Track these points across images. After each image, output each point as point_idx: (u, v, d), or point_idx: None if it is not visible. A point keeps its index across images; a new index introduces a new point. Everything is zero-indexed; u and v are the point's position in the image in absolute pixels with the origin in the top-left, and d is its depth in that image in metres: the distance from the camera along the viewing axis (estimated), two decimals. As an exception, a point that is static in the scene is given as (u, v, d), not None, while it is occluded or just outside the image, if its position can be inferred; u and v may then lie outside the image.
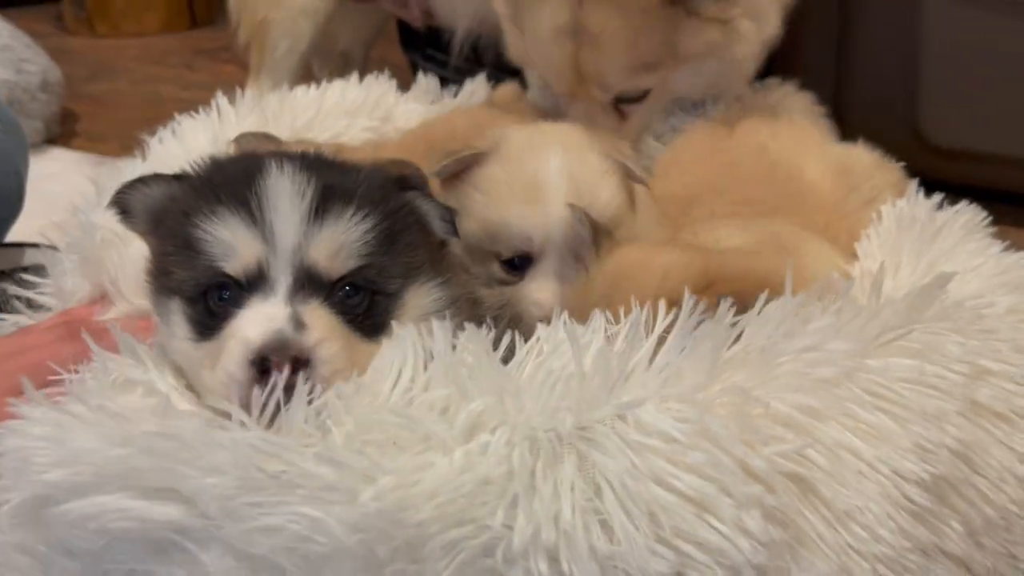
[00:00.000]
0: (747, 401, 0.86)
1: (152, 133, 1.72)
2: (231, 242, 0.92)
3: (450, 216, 1.05)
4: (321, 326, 0.90)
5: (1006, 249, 1.26)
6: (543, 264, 1.23)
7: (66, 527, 0.84)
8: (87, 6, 4.43)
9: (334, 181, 0.96)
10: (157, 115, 1.88)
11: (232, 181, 0.96)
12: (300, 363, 0.88)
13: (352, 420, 0.84)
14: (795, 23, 2.24)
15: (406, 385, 0.87)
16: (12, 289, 1.41)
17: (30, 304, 1.38)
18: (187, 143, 1.66)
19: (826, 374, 0.89)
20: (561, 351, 0.91)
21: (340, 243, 0.93)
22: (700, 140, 1.55)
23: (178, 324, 0.97)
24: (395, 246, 0.97)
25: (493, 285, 1.24)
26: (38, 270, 1.42)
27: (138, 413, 0.89)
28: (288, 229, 0.92)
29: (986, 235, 1.27)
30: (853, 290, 1.03)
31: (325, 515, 0.77)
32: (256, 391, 0.86)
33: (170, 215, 0.99)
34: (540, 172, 1.23)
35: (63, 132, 3.05)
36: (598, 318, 0.94)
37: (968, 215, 1.29)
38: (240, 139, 1.44)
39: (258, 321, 0.90)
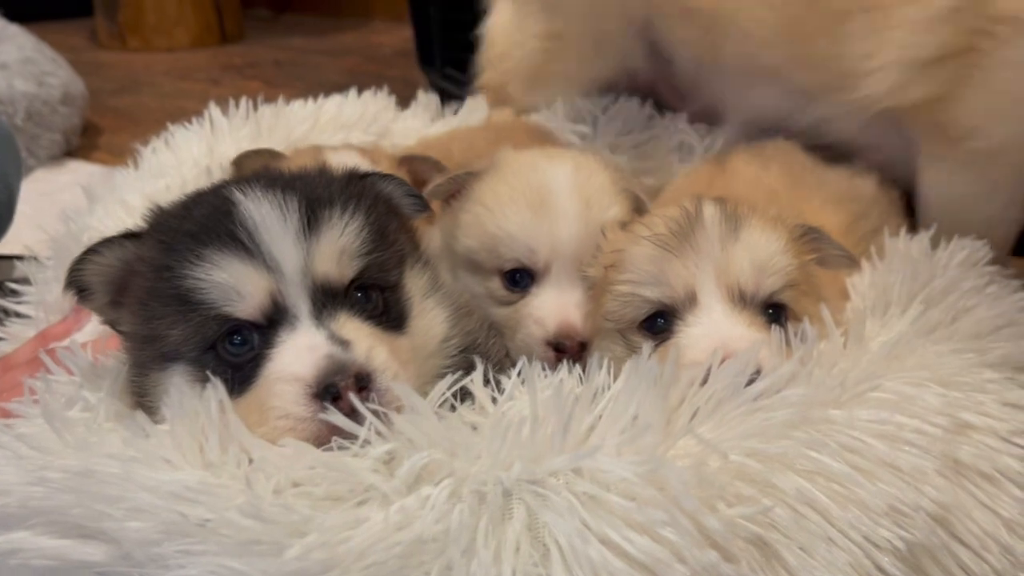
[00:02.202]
0: (705, 451, 0.78)
1: (145, 143, 1.68)
2: (234, 284, 0.84)
3: (415, 192, 1.01)
4: (361, 336, 0.85)
5: (1004, 286, 1.17)
6: (547, 281, 1.13)
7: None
8: (119, 21, 4.44)
9: (310, 189, 0.91)
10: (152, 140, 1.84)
11: (208, 221, 0.88)
12: (363, 379, 0.81)
13: (284, 471, 0.77)
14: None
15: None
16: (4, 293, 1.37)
17: (17, 315, 1.34)
18: (180, 153, 1.63)
19: (782, 418, 0.81)
20: (519, 396, 0.85)
21: (341, 247, 0.88)
22: (698, 176, 1.48)
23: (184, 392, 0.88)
24: (385, 238, 0.93)
25: (492, 308, 1.16)
26: (23, 283, 1.38)
27: (63, 446, 0.83)
28: (289, 251, 0.86)
29: (984, 272, 1.18)
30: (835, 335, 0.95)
31: (249, 569, 0.70)
32: (320, 420, 0.80)
33: (140, 277, 0.90)
34: (547, 184, 1.14)
35: (85, 145, 3.02)
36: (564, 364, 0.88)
37: (967, 251, 1.20)
38: (241, 159, 1.39)
39: (301, 355, 0.83)
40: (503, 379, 0.89)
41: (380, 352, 0.84)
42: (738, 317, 0.96)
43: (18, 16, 3.09)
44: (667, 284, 0.98)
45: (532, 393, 0.81)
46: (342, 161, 1.33)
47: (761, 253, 0.99)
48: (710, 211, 1.02)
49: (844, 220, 1.33)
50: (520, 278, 1.15)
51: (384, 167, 1.34)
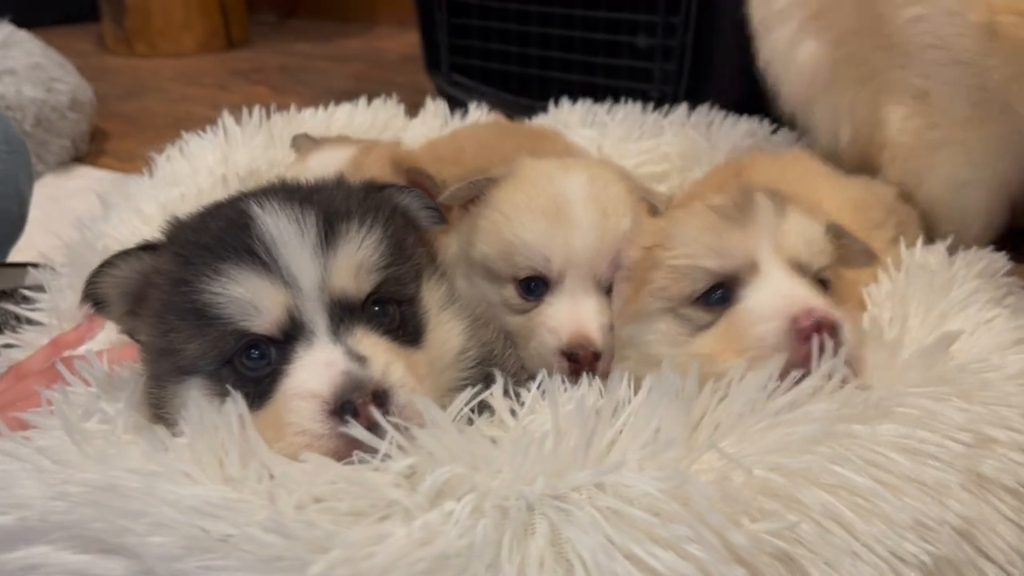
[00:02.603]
0: (728, 466, 0.77)
1: (160, 150, 1.69)
2: (251, 299, 0.84)
3: (432, 204, 1.00)
4: (378, 352, 0.84)
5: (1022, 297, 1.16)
6: (561, 290, 1.12)
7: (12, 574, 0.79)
8: (126, 26, 4.44)
9: (327, 202, 0.90)
10: (167, 147, 1.85)
11: (226, 235, 0.87)
12: (380, 395, 0.81)
13: (305, 486, 0.76)
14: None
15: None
16: (10, 308, 1.36)
17: (30, 322, 1.34)
18: (194, 162, 1.64)
19: (806, 432, 0.80)
20: (542, 410, 0.84)
21: (359, 261, 0.87)
22: (713, 181, 1.48)
23: (203, 406, 0.87)
24: (403, 251, 0.93)
25: (506, 316, 1.15)
26: (37, 290, 1.37)
27: (83, 458, 0.83)
28: (307, 266, 0.85)
29: (1004, 284, 1.17)
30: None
31: (273, 585, 0.70)
32: (339, 436, 0.80)
33: (157, 289, 0.90)
34: (563, 194, 1.14)
35: (92, 150, 3.02)
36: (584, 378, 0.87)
37: (985, 262, 1.19)
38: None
39: (318, 371, 0.82)
40: (522, 392, 0.88)
41: (397, 368, 0.84)
42: (799, 282, 0.97)
43: (25, 21, 3.09)
44: (728, 254, 0.98)
45: (554, 407, 0.80)
46: (331, 158, 1.36)
47: (809, 230, 1.02)
48: (758, 193, 1.03)
49: (860, 228, 1.32)
50: (535, 287, 1.14)
51: (374, 162, 1.34)
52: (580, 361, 1.07)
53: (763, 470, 0.77)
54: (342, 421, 0.79)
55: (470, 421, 0.86)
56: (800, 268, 0.98)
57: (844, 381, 0.87)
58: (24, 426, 0.92)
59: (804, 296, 0.94)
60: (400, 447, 0.79)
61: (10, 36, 2.90)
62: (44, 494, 0.79)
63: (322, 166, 1.41)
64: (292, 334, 0.85)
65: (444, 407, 0.84)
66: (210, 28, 4.56)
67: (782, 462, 0.78)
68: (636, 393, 0.84)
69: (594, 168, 1.23)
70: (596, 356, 1.08)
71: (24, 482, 0.81)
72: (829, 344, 0.87)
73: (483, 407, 0.88)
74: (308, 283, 0.85)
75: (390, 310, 0.90)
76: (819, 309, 0.90)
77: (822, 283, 1.01)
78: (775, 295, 0.94)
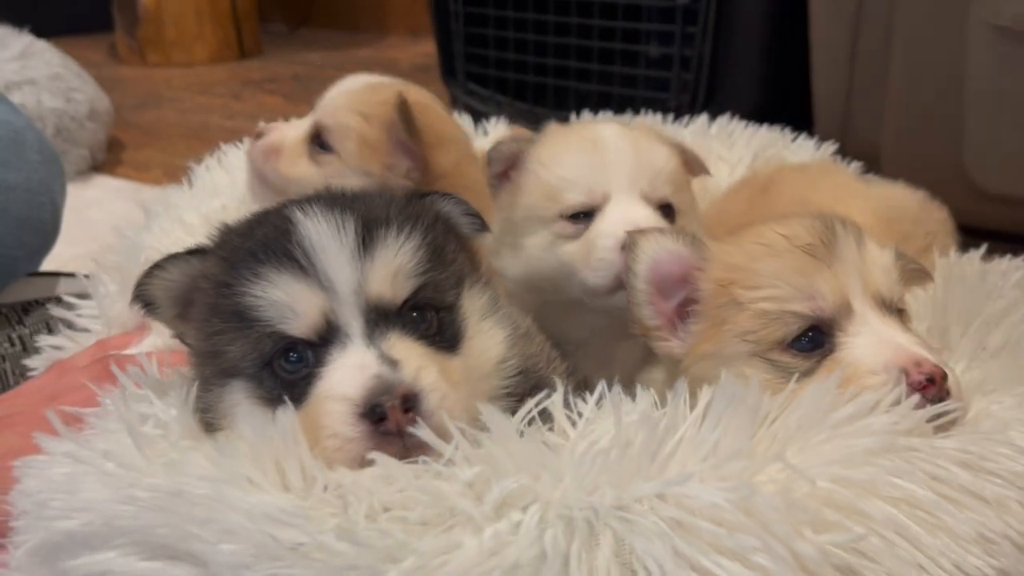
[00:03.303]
0: (791, 477, 0.78)
1: (198, 161, 1.70)
2: (289, 302, 0.85)
3: (474, 211, 1.01)
4: (412, 356, 0.85)
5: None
6: (609, 206, 1.17)
7: (79, 579, 0.79)
8: (139, 36, 4.45)
9: (367, 209, 0.91)
10: (201, 145, 1.88)
11: (268, 240, 0.89)
12: (410, 399, 0.81)
13: (376, 495, 0.76)
14: (839, 66, 2.18)
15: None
16: (55, 311, 1.37)
17: (71, 327, 1.35)
18: (233, 173, 1.65)
19: (867, 445, 0.81)
20: (603, 419, 0.84)
21: (396, 267, 0.88)
22: (739, 197, 1.48)
23: (247, 411, 0.89)
24: (442, 258, 0.93)
25: (561, 248, 1.19)
26: (81, 297, 1.38)
27: (151, 464, 0.83)
28: (343, 271, 0.86)
29: (1041, 293, 1.18)
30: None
31: (346, 594, 0.70)
32: (369, 439, 0.80)
33: (203, 293, 0.92)
34: (598, 135, 1.22)
35: (109, 160, 3.04)
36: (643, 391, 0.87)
37: (1021, 273, 1.20)
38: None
39: (350, 374, 0.83)
40: (579, 401, 0.88)
41: (429, 373, 0.84)
42: (892, 323, 0.95)
43: (39, 31, 3.10)
44: (820, 296, 0.94)
45: (618, 417, 0.81)
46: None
47: (885, 259, 1.00)
48: (837, 223, 1.00)
49: (891, 241, 1.32)
50: (584, 216, 1.19)
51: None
52: None
53: (826, 481, 0.77)
54: (373, 424, 0.80)
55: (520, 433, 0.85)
56: (884, 303, 0.97)
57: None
58: (72, 420, 0.94)
59: (909, 346, 0.91)
60: (458, 457, 0.79)
61: (30, 46, 2.92)
62: (111, 498, 0.80)
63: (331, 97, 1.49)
64: (328, 337, 0.86)
65: (477, 416, 0.84)
66: (222, 38, 4.58)
67: (845, 474, 0.78)
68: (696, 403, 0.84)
69: (624, 123, 1.33)
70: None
71: (91, 485, 0.81)
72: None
73: (539, 416, 0.88)
74: (344, 287, 0.86)
75: (428, 316, 0.90)
76: (927, 361, 0.89)
77: (900, 312, 0.99)
78: (880, 345, 0.92)
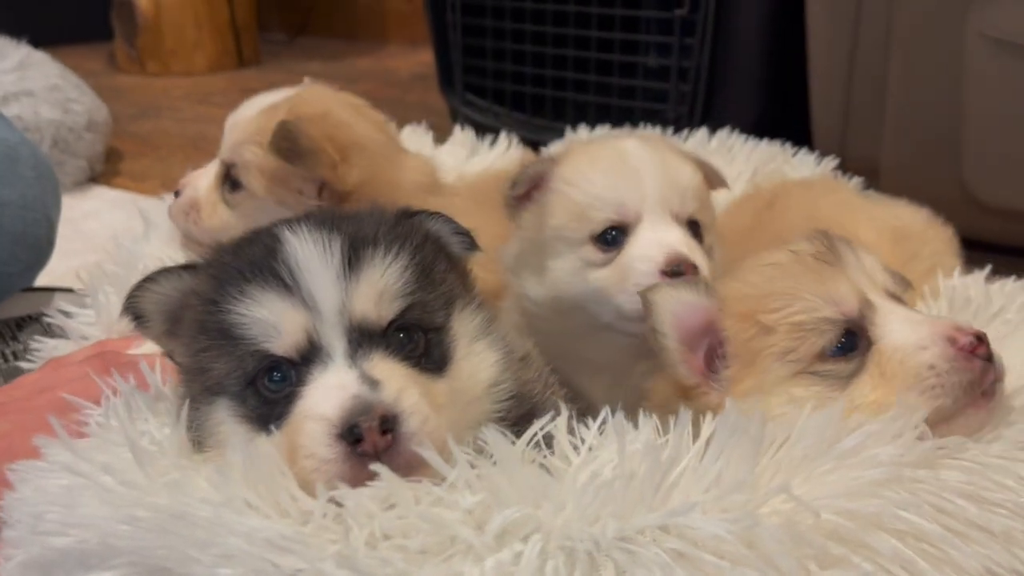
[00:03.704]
0: (796, 509, 0.76)
1: (196, 167, 1.70)
2: (272, 321, 0.85)
3: (464, 230, 0.99)
4: (393, 377, 0.83)
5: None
6: (641, 228, 1.15)
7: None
8: (138, 45, 4.44)
9: (355, 229, 0.90)
10: (199, 155, 1.86)
11: (255, 258, 0.88)
12: (388, 420, 0.79)
13: (377, 520, 0.75)
14: (837, 80, 2.16)
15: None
16: (54, 319, 1.35)
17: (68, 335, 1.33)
18: None
19: (873, 476, 0.79)
20: (606, 448, 0.82)
21: (382, 288, 0.87)
22: (743, 213, 1.46)
23: (228, 431, 0.88)
24: (431, 279, 0.92)
25: (590, 275, 1.17)
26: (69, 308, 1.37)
27: (153, 482, 0.82)
28: (327, 290, 0.85)
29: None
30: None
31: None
32: (346, 461, 0.79)
33: (191, 309, 0.91)
34: (623, 151, 1.20)
35: (107, 170, 3.02)
36: (646, 419, 0.85)
37: (1026, 294, 1.18)
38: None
39: (329, 394, 0.82)
40: (583, 427, 0.87)
41: (411, 395, 0.82)
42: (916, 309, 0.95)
43: (37, 40, 3.09)
44: (845, 299, 0.94)
45: (621, 446, 0.79)
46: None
47: (878, 261, 1.02)
48: (827, 234, 1.01)
49: (898, 259, 1.31)
50: (612, 238, 1.17)
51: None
52: (684, 276, 1.09)
53: (831, 514, 0.76)
54: (350, 445, 0.79)
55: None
56: (892, 295, 0.98)
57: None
58: (66, 408, 0.94)
59: (943, 320, 0.93)
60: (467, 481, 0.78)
61: (27, 57, 2.90)
62: (111, 516, 0.78)
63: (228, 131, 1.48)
64: (310, 357, 0.85)
65: (468, 441, 0.83)
66: (221, 47, 4.56)
67: (850, 506, 0.77)
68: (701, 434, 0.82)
69: (640, 135, 1.33)
70: (696, 269, 1.10)
71: (89, 501, 0.80)
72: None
73: (538, 441, 0.86)
74: (328, 307, 0.85)
75: (415, 337, 0.89)
76: (965, 325, 0.90)
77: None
78: (916, 324, 0.93)
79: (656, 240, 1.13)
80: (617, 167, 1.18)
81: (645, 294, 1.00)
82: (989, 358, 0.89)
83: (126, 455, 0.85)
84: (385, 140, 1.53)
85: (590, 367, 1.24)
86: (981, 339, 0.89)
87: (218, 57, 4.56)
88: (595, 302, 1.18)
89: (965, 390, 0.88)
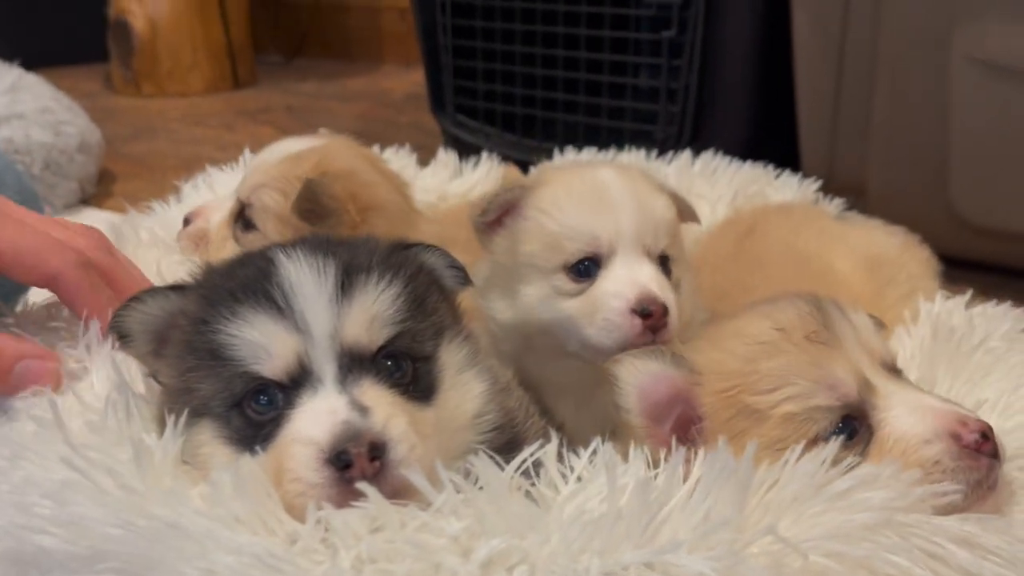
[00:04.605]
0: (784, 550, 0.74)
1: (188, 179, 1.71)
2: (263, 342, 0.84)
3: (458, 264, 1.00)
4: (382, 404, 0.83)
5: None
6: (614, 263, 1.14)
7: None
8: (134, 67, 4.42)
9: (350, 256, 0.90)
10: (192, 176, 1.87)
11: (248, 280, 0.88)
12: (377, 448, 0.79)
13: (364, 543, 0.74)
14: (824, 100, 2.15)
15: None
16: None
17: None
18: (218, 191, 1.68)
19: (864, 520, 0.77)
20: (595, 480, 0.81)
21: (373, 314, 0.87)
22: (724, 238, 1.44)
23: (211, 452, 0.87)
24: (422, 309, 0.92)
25: (561, 304, 1.15)
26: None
27: (151, 489, 0.80)
28: (320, 314, 0.85)
29: (1029, 343, 1.13)
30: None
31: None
32: (333, 486, 0.78)
33: (179, 329, 0.91)
34: (599, 181, 1.19)
35: (99, 192, 3.00)
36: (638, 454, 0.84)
37: (1010, 323, 1.16)
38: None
39: (319, 418, 0.81)
40: (573, 456, 0.86)
41: (399, 423, 0.82)
42: (909, 387, 0.91)
43: (34, 61, 3.07)
44: (841, 383, 0.88)
45: (612, 481, 0.77)
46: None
47: (870, 323, 0.97)
48: (821, 301, 0.95)
49: (874, 288, 1.30)
50: (585, 269, 1.16)
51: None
52: (652, 316, 1.08)
53: (820, 556, 0.74)
54: (338, 471, 0.78)
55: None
56: (888, 367, 0.93)
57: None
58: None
59: (945, 407, 0.87)
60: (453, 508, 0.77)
61: (19, 80, 2.88)
62: (104, 519, 0.77)
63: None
64: (300, 380, 0.84)
65: (455, 469, 0.82)
66: (217, 69, 4.55)
67: (840, 549, 0.75)
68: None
69: (617, 164, 1.32)
70: (665, 308, 1.09)
71: (83, 501, 0.78)
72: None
73: (526, 469, 0.85)
74: (320, 331, 0.84)
75: (404, 365, 0.89)
76: (970, 418, 0.85)
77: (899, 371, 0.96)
78: (919, 412, 0.87)
79: (629, 277, 1.12)
80: (593, 199, 1.17)
81: (609, 367, 0.95)
82: (995, 454, 0.84)
83: (124, 456, 0.83)
84: (402, 201, 1.53)
85: (554, 389, 1.24)
86: (986, 435, 0.84)
87: (214, 78, 4.54)
88: (563, 330, 1.17)
89: (972, 488, 0.84)
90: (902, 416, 0.87)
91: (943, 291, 1.35)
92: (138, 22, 4.34)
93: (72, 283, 1.04)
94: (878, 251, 1.37)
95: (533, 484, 0.82)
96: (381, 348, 0.87)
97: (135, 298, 0.94)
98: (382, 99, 4.34)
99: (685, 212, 1.28)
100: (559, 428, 1.14)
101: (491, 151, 2.10)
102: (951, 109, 1.94)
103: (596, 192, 1.17)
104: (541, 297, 1.17)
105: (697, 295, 1.27)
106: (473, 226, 1.24)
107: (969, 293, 1.25)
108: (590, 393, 1.19)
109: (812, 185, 1.83)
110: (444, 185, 1.88)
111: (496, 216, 1.23)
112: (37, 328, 1.07)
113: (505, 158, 2.05)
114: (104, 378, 0.96)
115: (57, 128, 2.78)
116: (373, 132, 3.57)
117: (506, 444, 0.93)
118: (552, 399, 1.23)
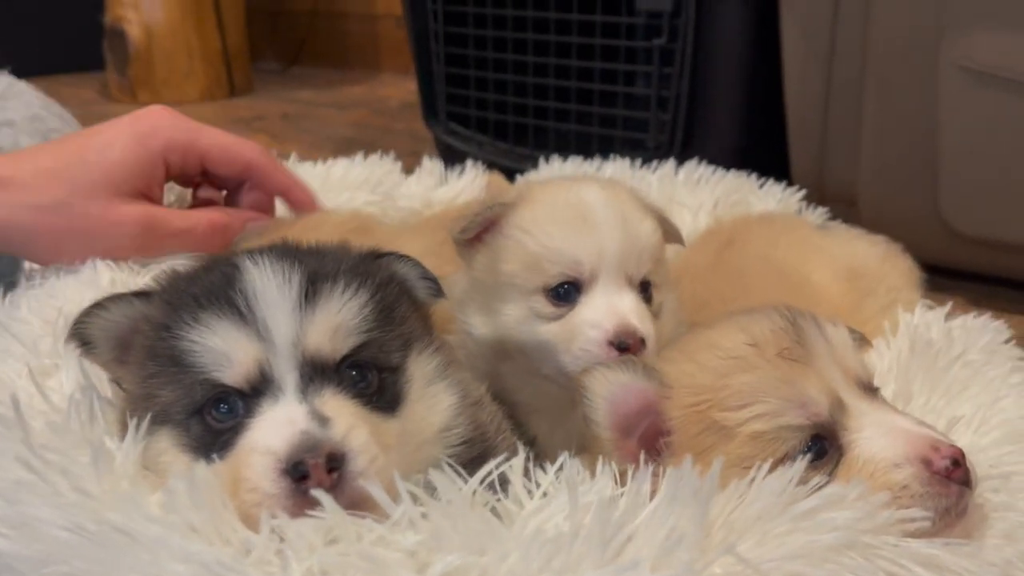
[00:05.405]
0: (746, 571, 0.73)
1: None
2: (224, 349, 0.83)
3: (431, 275, 0.98)
4: (343, 414, 0.81)
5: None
6: (595, 289, 1.11)
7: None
8: (130, 74, 4.42)
9: (317, 263, 0.89)
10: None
11: (212, 286, 0.87)
12: (335, 459, 0.77)
13: (317, 555, 0.72)
14: (814, 108, 2.14)
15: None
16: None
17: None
18: None
19: (829, 541, 0.75)
20: (558, 497, 0.79)
21: (337, 323, 0.85)
22: (705, 249, 1.43)
23: (171, 460, 0.85)
24: (390, 319, 0.90)
25: (538, 327, 1.13)
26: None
27: (107, 493, 0.79)
28: (283, 321, 0.83)
29: (1009, 358, 1.11)
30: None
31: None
32: (289, 497, 0.77)
33: (142, 335, 0.89)
34: (583, 201, 1.15)
35: (92, 201, 2.97)
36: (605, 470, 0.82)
37: (989, 335, 1.14)
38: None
39: (277, 428, 0.80)
40: (539, 471, 0.84)
41: (360, 434, 0.80)
42: (883, 407, 0.89)
43: (30, 69, 3.05)
44: (814, 402, 0.86)
45: (574, 499, 0.76)
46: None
47: (847, 338, 0.94)
48: (796, 316, 0.93)
49: (853, 300, 1.28)
50: (565, 292, 1.13)
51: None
52: (630, 349, 1.06)
53: None
54: (295, 482, 0.77)
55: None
56: (864, 385, 0.91)
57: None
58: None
59: (919, 430, 0.85)
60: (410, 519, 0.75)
61: (9, 88, 2.86)
62: (55, 521, 0.75)
63: None
64: (261, 389, 0.83)
65: (416, 481, 0.80)
66: (213, 76, 4.54)
67: (802, 570, 0.73)
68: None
69: (603, 181, 1.26)
70: (643, 342, 1.07)
71: (36, 502, 0.77)
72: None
73: (492, 483, 0.84)
74: (282, 339, 0.83)
75: (369, 376, 0.87)
76: (942, 443, 0.83)
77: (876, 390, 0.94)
78: (891, 435, 0.85)
79: (609, 308, 1.09)
80: (576, 221, 1.13)
81: (580, 378, 0.94)
82: (966, 482, 0.82)
83: (83, 459, 0.82)
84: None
85: (529, 407, 1.21)
86: (958, 462, 0.82)
87: (210, 86, 4.53)
88: (539, 353, 1.14)
89: (941, 515, 0.81)
90: (873, 438, 0.85)
91: (929, 301, 1.34)
92: (134, 30, 4.33)
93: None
94: (858, 262, 1.35)
95: (499, 499, 0.81)
96: (345, 357, 0.86)
97: (97, 304, 0.92)
98: (378, 107, 4.33)
99: (670, 233, 1.25)
100: (531, 443, 1.12)
101: (483, 159, 2.10)
102: (940, 118, 1.93)
103: (580, 214, 1.13)
104: (519, 318, 1.15)
105: (680, 313, 1.24)
106: (453, 241, 1.22)
107: (949, 305, 1.23)
108: (565, 414, 1.16)
109: (796, 194, 1.81)
110: (429, 192, 1.87)
111: (475, 234, 1.20)
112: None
113: (496, 166, 2.03)
114: (71, 378, 0.96)
115: (47, 136, 2.75)
116: (367, 140, 3.56)
117: (476, 458, 0.91)
118: (526, 415, 1.21)
